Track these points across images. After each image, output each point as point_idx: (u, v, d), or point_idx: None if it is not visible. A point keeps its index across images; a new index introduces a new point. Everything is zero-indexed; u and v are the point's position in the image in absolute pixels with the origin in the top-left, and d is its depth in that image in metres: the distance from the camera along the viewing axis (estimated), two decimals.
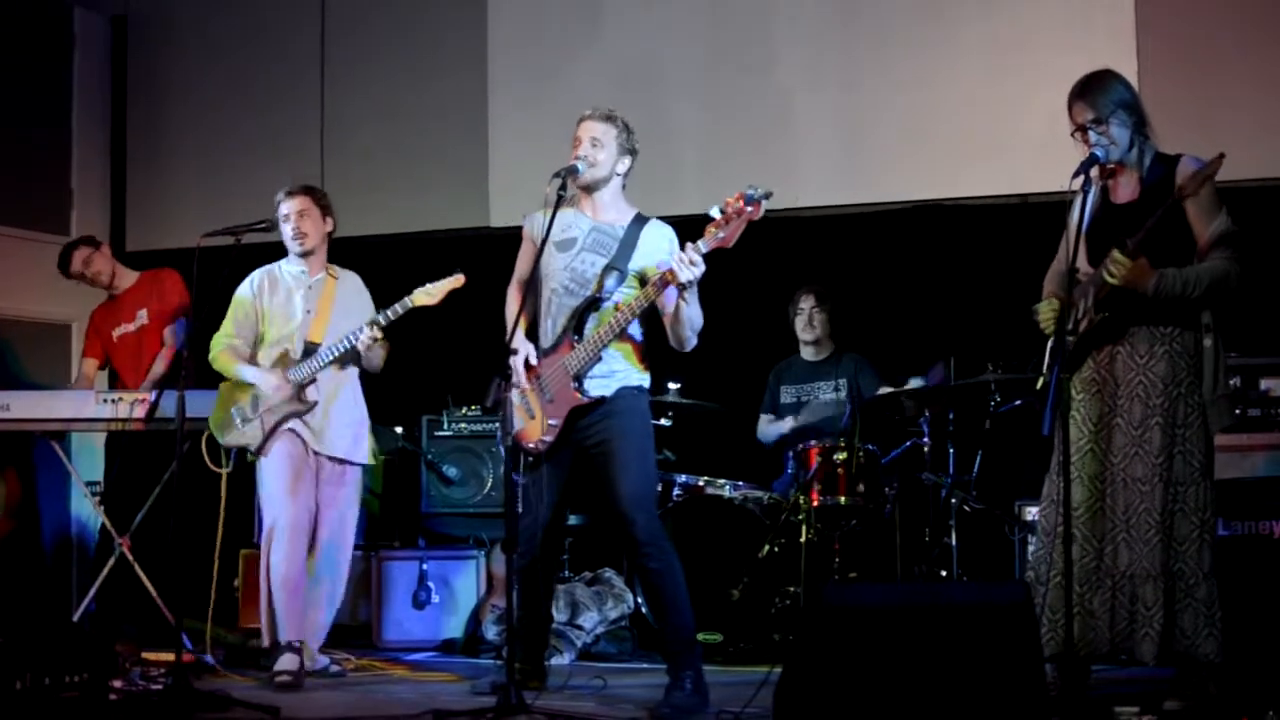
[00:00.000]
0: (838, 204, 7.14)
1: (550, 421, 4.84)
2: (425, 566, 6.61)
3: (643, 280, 4.84)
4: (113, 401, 6.14)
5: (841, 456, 6.17)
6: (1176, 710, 4.14)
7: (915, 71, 7.01)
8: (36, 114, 8.02)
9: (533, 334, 4.99)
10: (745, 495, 6.40)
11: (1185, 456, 4.33)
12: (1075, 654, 4.17)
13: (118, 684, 4.95)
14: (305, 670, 5.47)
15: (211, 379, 5.77)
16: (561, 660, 6.03)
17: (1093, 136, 4.41)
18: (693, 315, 4.74)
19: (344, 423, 5.67)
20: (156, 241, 7.85)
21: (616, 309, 4.79)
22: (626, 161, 4.96)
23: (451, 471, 6.84)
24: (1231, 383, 5.26)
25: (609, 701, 4.93)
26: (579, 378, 4.81)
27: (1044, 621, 4.32)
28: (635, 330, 4.89)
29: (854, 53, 7.14)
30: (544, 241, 4.84)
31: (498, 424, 5.14)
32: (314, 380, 5.57)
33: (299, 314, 5.67)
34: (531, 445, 4.89)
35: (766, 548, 6.07)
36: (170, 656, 4.94)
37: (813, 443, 6.29)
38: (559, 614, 6.16)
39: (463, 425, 6.90)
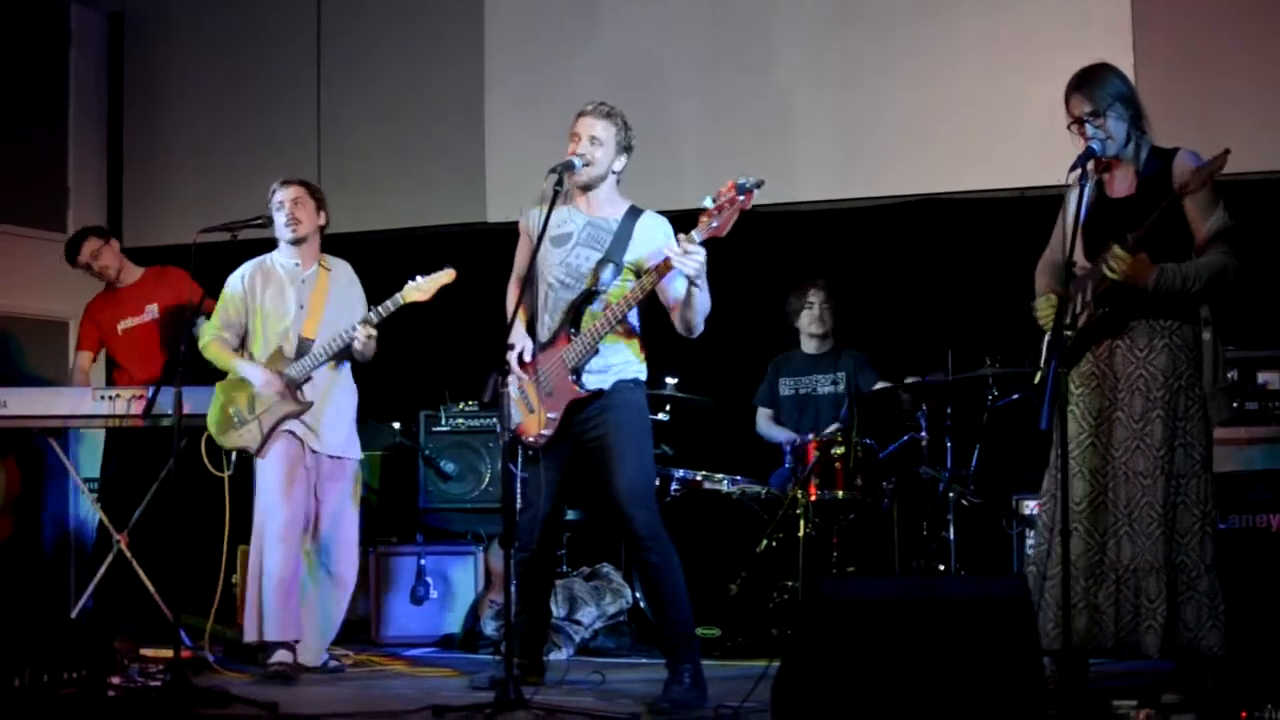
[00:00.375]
0: (837, 199, 7.14)
1: (549, 415, 4.85)
2: (423, 562, 6.61)
3: (638, 272, 4.85)
4: (110, 398, 6.13)
5: (839, 451, 6.17)
6: (1174, 703, 4.14)
7: (913, 67, 7.01)
8: (33, 111, 8.01)
9: (531, 329, 4.99)
10: (743, 490, 6.41)
11: (1186, 449, 4.34)
12: (1074, 647, 4.17)
13: (116, 681, 4.95)
14: (302, 666, 5.48)
15: (210, 376, 5.76)
16: (560, 655, 6.03)
17: (1089, 129, 4.41)
18: (703, 301, 4.74)
19: (339, 419, 5.68)
20: (153, 238, 7.84)
21: (612, 301, 4.79)
22: (623, 159, 4.96)
23: (449, 467, 6.85)
24: (1229, 376, 5.27)
25: (607, 696, 4.93)
26: (577, 371, 4.81)
27: (1049, 616, 4.32)
28: (635, 322, 4.90)
29: (853, 49, 7.14)
30: (540, 237, 4.85)
31: (495, 419, 5.14)
32: (309, 378, 5.56)
33: (292, 309, 5.65)
34: (530, 439, 4.90)
35: (764, 542, 6.07)
36: (169, 653, 4.95)
37: (810, 437, 6.29)
38: (557, 609, 6.16)
39: (460, 420, 6.90)
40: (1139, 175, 4.45)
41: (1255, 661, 4.43)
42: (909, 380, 6.21)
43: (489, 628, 6.31)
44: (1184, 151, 4.42)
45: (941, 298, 6.85)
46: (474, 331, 5.92)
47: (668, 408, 6.58)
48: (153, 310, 6.68)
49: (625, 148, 4.95)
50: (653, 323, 4.94)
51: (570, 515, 6.78)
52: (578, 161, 4.86)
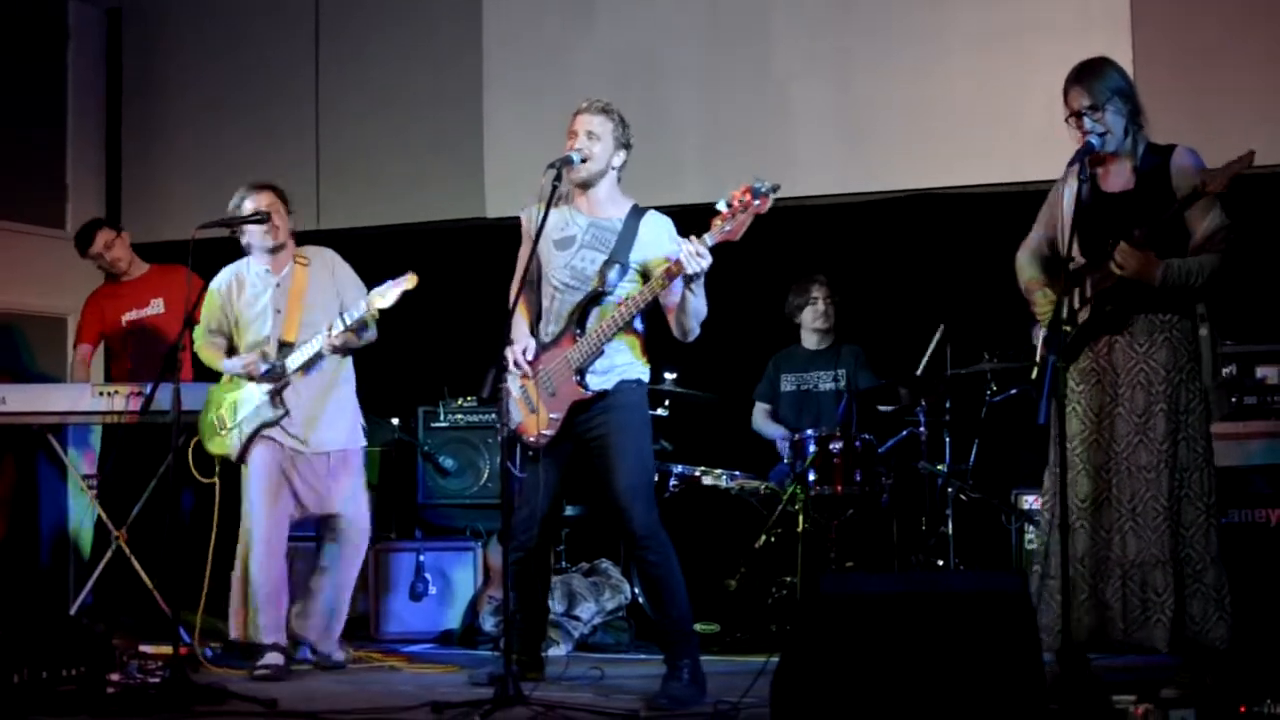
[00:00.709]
0: (836, 193, 7.13)
1: (551, 415, 4.84)
2: (422, 558, 6.61)
3: (644, 273, 4.84)
4: (109, 394, 6.13)
5: (838, 446, 6.17)
6: (1173, 699, 4.14)
7: (913, 62, 7.01)
8: (31, 107, 8.00)
9: (534, 330, 4.98)
10: (742, 485, 6.40)
11: (1189, 443, 4.36)
12: (1079, 644, 4.17)
13: (115, 677, 4.94)
14: (292, 670, 5.50)
15: (210, 373, 5.77)
16: (559, 651, 6.03)
17: (1088, 123, 4.41)
18: (699, 306, 4.74)
19: (337, 415, 5.65)
20: (152, 234, 7.82)
21: (620, 303, 4.79)
22: (622, 155, 4.94)
23: (448, 463, 6.84)
24: (1226, 371, 5.27)
25: (606, 692, 4.93)
26: (581, 371, 4.80)
27: (1055, 614, 4.32)
28: (638, 323, 4.89)
29: (852, 43, 7.13)
30: (538, 234, 4.83)
31: (494, 415, 5.14)
32: (288, 384, 5.53)
33: (269, 316, 5.61)
34: (532, 439, 4.89)
35: (763, 537, 6.07)
36: (167, 649, 4.95)
37: (809, 432, 6.29)
38: (556, 605, 6.16)
39: (459, 417, 6.90)
40: (1136, 170, 4.46)
41: (1254, 656, 4.43)
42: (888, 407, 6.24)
43: (488, 624, 6.31)
44: (1181, 148, 4.43)
45: (940, 293, 6.85)
46: (473, 327, 5.91)
47: (667, 403, 6.57)
48: (158, 304, 6.69)
49: (624, 144, 4.93)
50: (654, 321, 4.94)
51: (569, 511, 6.79)
52: (575, 156, 4.84)
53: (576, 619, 6.23)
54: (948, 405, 6.27)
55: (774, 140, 7.15)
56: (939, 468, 6.16)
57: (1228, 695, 4.01)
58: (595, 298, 4.84)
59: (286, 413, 5.52)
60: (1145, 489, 4.33)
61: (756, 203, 4.51)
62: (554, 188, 4.81)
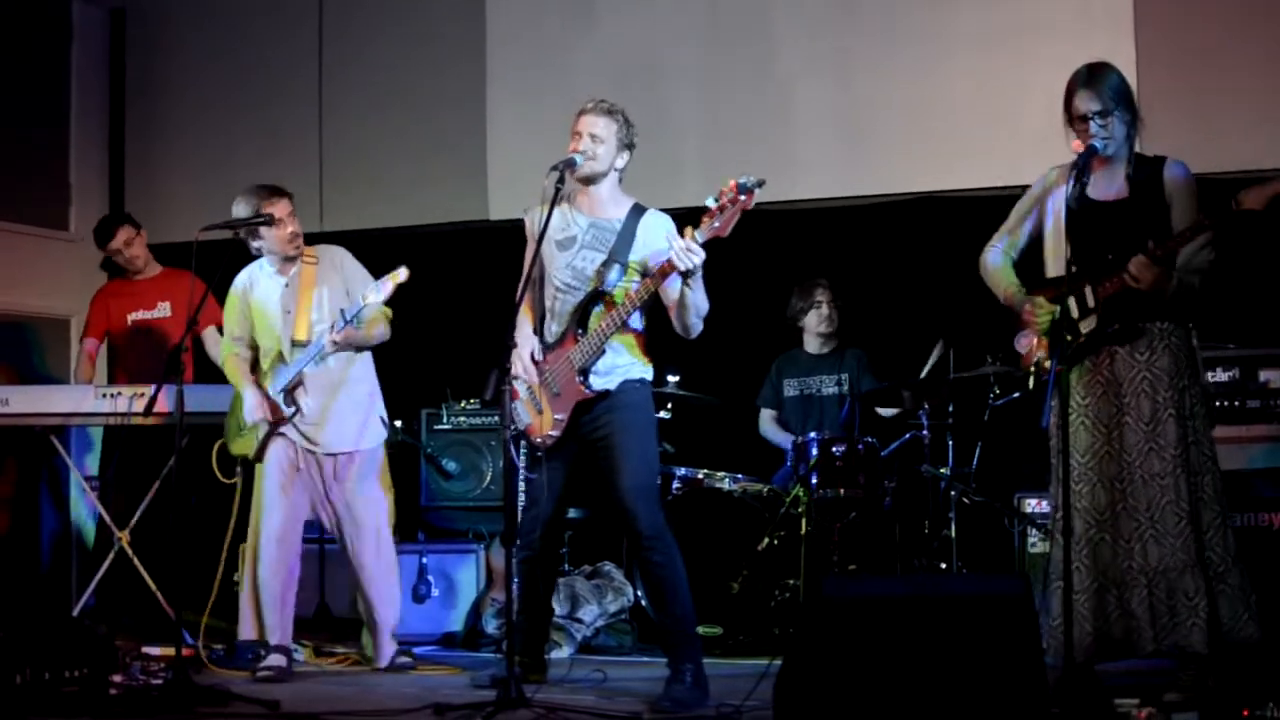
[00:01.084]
0: (837, 196, 7.13)
1: (556, 416, 4.84)
2: (425, 560, 6.61)
3: (643, 271, 4.84)
4: (112, 396, 6.13)
5: (841, 449, 6.16)
6: (1177, 702, 4.14)
7: (914, 64, 7.00)
8: (35, 108, 8.01)
9: (539, 332, 4.99)
10: (744, 488, 6.40)
11: (1198, 446, 4.40)
12: (1073, 645, 4.18)
13: (118, 679, 4.94)
14: (295, 672, 5.51)
15: (212, 374, 5.79)
16: (562, 653, 6.03)
17: (1094, 127, 4.42)
18: (698, 301, 4.74)
19: (351, 412, 5.65)
20: (155, 236, 7.79)
21: (618, 301, 4.79)
22: (625, 156, 4.95)
23: (451, 465, 6.84)
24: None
25: (609, 695, 4.93)
26: (584, 371, 4.80)
27: (1085, 629, 4.35)
28: (637, 322, 4.89)
29: (853, 44, 7.13)
30: (541, 235, 4.83)
31: (497, 417, 5.14)
32: (300, 383, 5.55)
33: (280, 317, 5.62)
34: (538, 440, 4.89)
35: (766, 540, 6.07)
36: (170, 651, 4.95)
37: (812, 435, 6.29)
38: (559, 607, 6.16)
39: (462, 419, 6.90)
40: (1130, 180, 4.47)
41: (1257, 659, 4.42)
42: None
43: (491, 626, 6.31)
44: (1171, 160, 4.50)
45: (943, 295, 6.84)
46: (476, 329, 5.91)
47: (669, 406, 6.57)
48: (165, 308, 6.71)
49: (627, 145, 4.93)
50: (654, 321, 4.94)
51: (572, 514, 6.78)
52: (579, 159, 4.85)
53: (579, 621, 6.23)
54: (950, 408, 6.27)
55: (774, 141, 7.15)
56: (942, 471, 6.16)
57: (1231, 698, 4.01)
58: (595, 297, 4.84)
59: (299, 410, 5.54)
60: (1161, 495, 4.34)
61: (743, 198, 4.51)
62: (556, 189, 4.81)
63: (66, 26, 8.19)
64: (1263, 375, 5.51)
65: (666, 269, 4.62)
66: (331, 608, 6.26)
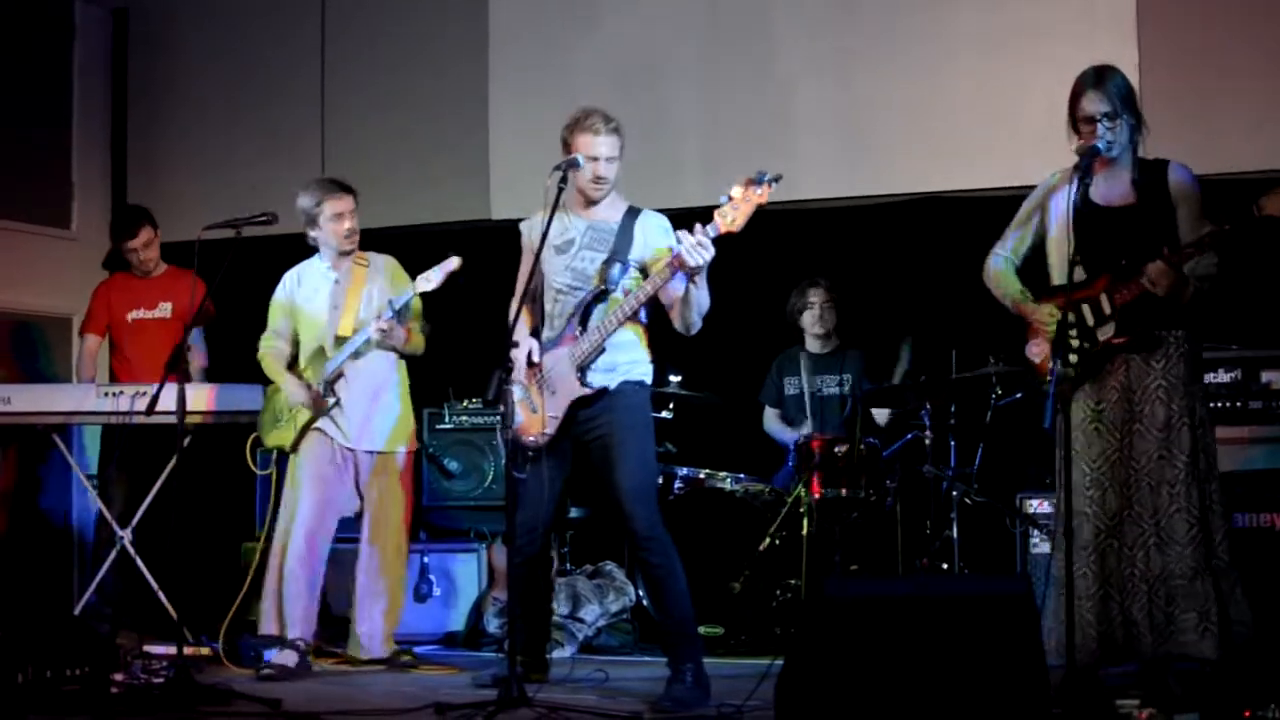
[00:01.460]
0: (839, 196, 7.13)
1: (551, 414, 4.84)
2: (427, 560, 6.61)
3: (644, 270, 4.85)
4: (114, 395, 6.14)
5: (843, 449, 6.17)
6: (1176, 702, 4.14)
7: (915, 64, 6.99)
8: (37, 107, 8.00)
9: (537, 336, 4.99)
10: (746, 488, 6.40)
11: (1205, 453, 4.41)
12: (1074, 647, 4.18)
13: (119, 677, 4.94)
14: (299, 671, 5.51)
15: (217, 373, 5.79)
16: (563, 653, 6.03)
17: (1101, 129, 4.41)
18: (702, 299, 4.75)
19: (388, 414, 5.73)
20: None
21: (621, 300, 4.79)
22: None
23: (453, 465, 6.84)
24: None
25: (610, 694, 4.93)
26: (583, 368, 4.81)
27: (1088, 634, 4.36)
28: (642, 321, 4.90)
29: (855, 45, 7.12)
30: (543, 238, 4.82)
31: (498, 417, 5.13)
32: (341, 375, 5.60)
33: (325, 311, 5.72)
34: (532, 439, 4.88)
35: (767, 540, 6.07)
36: (172, 649, 4.96)
37: (814, 435, 6.29)
38: (560, 607, 6.17)
39: (464, 418, 6.90)
40: (1135, 184, 4.47)
41: (1258, 661, 4.42)
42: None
43: (492, 625, 6.31)
44: (1174, 164, 4.50)
45: (945, 296, 6.84)
46: (478, 329, 5.92)
47: (671, 406, 6.57)
48: (166, 309, 6.71)
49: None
50: (656, 321, 4.94)
51: (574, 513, 6.79)
52: (598, 193, 4.86)
53: (581, 621, 6.23)
54: (953, 409, 6.27)
55: (776, 143, 7.13)
56: (944, 471, 6.15)
57: (1231, 699, 4.01)
58: (599, 296, 4.85)
59: (339, 402, 5.61)
60: (1170, 503, 4.35)
61: (758, 192, 4.53)
62: (560, 190, 4.81)
63: (69, 26, 8.18)
64: (1265, 376, 5.51)
65: (676, 264, 4.62)
66: (332, 608, 6.25)
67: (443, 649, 6.39)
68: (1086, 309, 4.46)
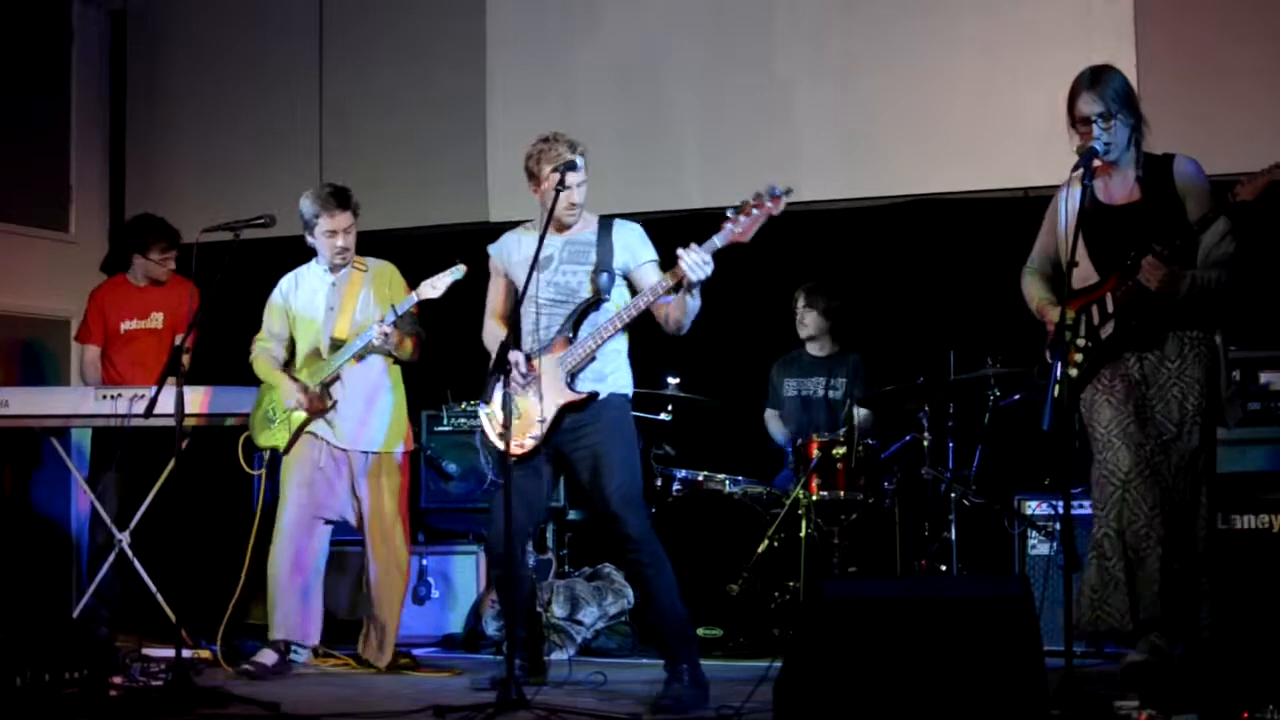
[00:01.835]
0: (838, 198, 7.12)
1: (538, 420, 4.84)
2: (425, 562, 6.61)
3: (628, 278, 4.89)
4: (112, 397, 6.13)
5: (841, 451, 6.17)
6: (1176, 703, 4.14)
7: (914, 66, 7.00)
8: (35, 109, 8.00)
9: (517, 347, 4.96)
10: (745, 490, 6.40)
11: (1209, 453, 4.43)
12: (1098, 632, 4.23)
13: (117, 680, 4.94)
14: (279, 671, 5.54)
15: (213, 375, 5.79)
16: (561, 655, 6.02)
17: (1097, 130, 4.41)
18: (695, 305, 4.75)
19: (383, 415, 5.72)
20: None
21: (614, 311, 4.82)
22: None
23: (451, 467, 6.84)
24: (1233, 376, 5.31)
25: (609, 696, 4.93)
26: (572, 375, 4.81)
27: (1119, 593, 4.39)
28: (624, 334, 4.92)
29: (854, 47, 7.12)
30: (537, 251, 4.77)
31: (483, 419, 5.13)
32: (338, 378, 5.60)
33: (322, 312, 5.72)
34: (516, 444, 4.85)
35: (766, 542, 6.07)
36: (170, 652, 4.96)
37: (812, 436, 6.29)
38: (558, 609, 6.17)
39: (462, 421, 6.89)
40: (1139, 181, 4.47)
41: (1257, 662, 4.43)
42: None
43: (490, 628, 6.31)
44: (1180, 157, 4.47)
45: (943, 298, 6.84)
46: (476, 331, 5.91)
47: (670, 408, 6.57)
48: (157, 319, 6.69)
49: None
50: (647, 329, 4.95)
51: (572, 515, 6.79)
52: (572, 217, 4.90)
53: (579, 623, 6.23)
54: (951, 410, 6.27)
55: (775, 145, 7.14)
56: (943, 473, 6.15)
57: (1231, 700, 4.01)
58: (592, 305, 4.87)
59: (335, 404, 5.61)
60: (1177, 496, 4.37)
61: (769, 204, 4.53)
62: (557, 193, 4.82)
63: (66, 27, 8.18)
64: (1264, 378, 5.51)
65: (676, 278, 4.63)
66: (332, 609, 6.25)
67: (441, 651, 6.39)
68: (1095, 308, 4.47)
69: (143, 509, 6.17)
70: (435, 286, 5.49)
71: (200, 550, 6.38)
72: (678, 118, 7.31)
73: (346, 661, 5.82)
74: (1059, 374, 4.15)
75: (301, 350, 5.76)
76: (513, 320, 4.94)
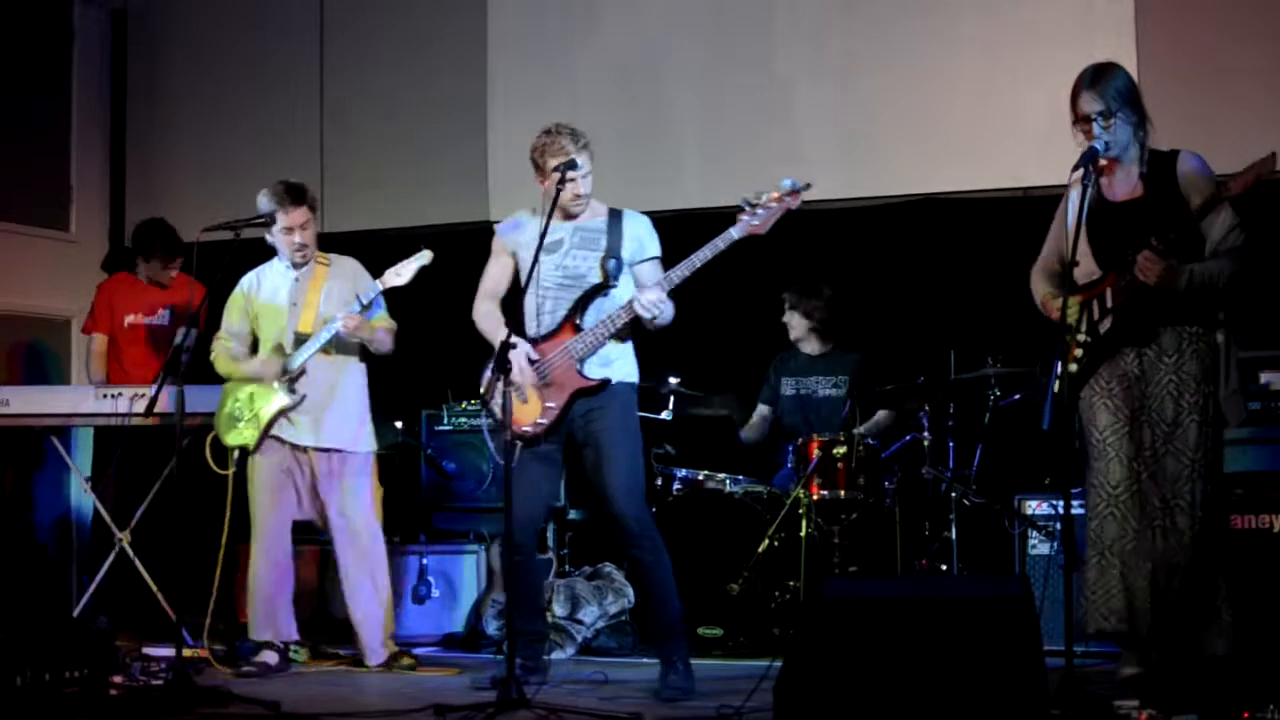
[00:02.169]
0: (838, 198, 7.12)
1: (548, 405, 4.87)
2: (426, 561, 6.60)
3: (632, 271, 4.94)
4: (112, 396, 6.13)
5: (841, 450, 6.17)
6: (1175, 703, 4.14)
7: (915, 66, 7.00)
8: (36, 108, 8.01)
9: (520, 333, 4.98)
10: (746, 489, 6.40)
11: (1212, 452, 4.40)
12: (1073, 653, 4.18)
13: (118, 679, 4.94)
14: (280, 670, 5.56)
15: (213, 375, 5.78)
16: (562, 654, 6.03)
17: (1097, 129, 4.41)
18: (665, 322, 4.87)
19: (344, 414, 5.67)
20: None
21: (616, 312, 4.85)
22: None
23: (451, 466, 6.84)
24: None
25: (609, 695, 4.93)
26: (582, 360, 4.84)
27: (1080, 602, 4.38)
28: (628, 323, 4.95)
29: (854, 47, 7.13)
30: (542, 238, 4.81)
31: (485, 416, 5.15)
32: (303, 372, 5.57)
33: (285, 307, 5.68)
34: (526, 429, 4.89)
35: (767, 542, 6.06)
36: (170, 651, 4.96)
37: (812, 436, 6.29)
38: (559, 608, 6.17)
39: (462, 420, 6.90)
40: (1142, 178, 4.46)
41: (1257, 662, 4.42)
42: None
43: (491, 627, 6.31)
44: (1185, 153, 4.45)
45: (943, 298, 6.84)
46: (476, 330, 5.91)
47: (670, 406, 6.57)
48: (164, 315, 6.70)
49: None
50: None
51: (573, 515, 6.79)
52: (578, 207, 4.93)
53: (579, 622, 6.23)
54: (951, 410, 6.27)
55: (776, 145, 7.14)
56: (943, 472, 6.15)
57: (1231, 700, 4.01)
58: (599, 289, 4.92)
59: (303, 397, 5.57)
60: (1174, 498, 4.35)
61: (788, 198, 4.55)
62: (557, 192, 4.83)
63: (67, 27, 8.18)
64: (1264, 377, 5.51)
65: (629, 314, 4.78)
66: (331, 609, 6.26)
67: (442, 650, 6.39)
68: (1095, 304, 4.47)
69: (142, 509, 6.17)
70: (400, 274, 5.46)
71: (199, 550, 6.38)
72: (678, 117, 7.31)
73: (346, 661, 5.82)
74: (1059, 371, 4.15)
75: (265, 346, 5.69)
76: (515, 306, 4.95)
